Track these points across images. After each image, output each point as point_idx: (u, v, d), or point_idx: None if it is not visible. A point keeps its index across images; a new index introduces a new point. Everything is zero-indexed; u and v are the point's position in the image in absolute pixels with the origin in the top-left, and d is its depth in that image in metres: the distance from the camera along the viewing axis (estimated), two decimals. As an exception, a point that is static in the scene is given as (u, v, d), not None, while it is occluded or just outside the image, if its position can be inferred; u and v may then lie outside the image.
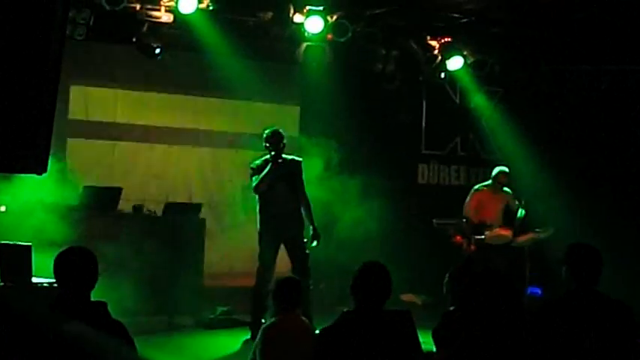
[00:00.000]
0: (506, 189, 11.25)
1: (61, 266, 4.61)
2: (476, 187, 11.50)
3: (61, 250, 4.69)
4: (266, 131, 9.49)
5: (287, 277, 6.15)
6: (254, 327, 9.52)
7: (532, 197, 11.48)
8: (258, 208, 9.55)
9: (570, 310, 4.96)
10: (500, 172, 11.17)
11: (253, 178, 9.41)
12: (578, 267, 5.08)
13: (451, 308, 5.78)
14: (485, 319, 3.81)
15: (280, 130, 9.46)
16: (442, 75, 12.34)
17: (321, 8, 10.81)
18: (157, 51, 10.68)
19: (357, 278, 4.86)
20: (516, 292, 3.96)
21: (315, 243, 9.60)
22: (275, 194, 9.44)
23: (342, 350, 4.61)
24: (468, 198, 11.33)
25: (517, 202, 11.11)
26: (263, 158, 9.48)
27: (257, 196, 9.53)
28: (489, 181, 11.31)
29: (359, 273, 4.89)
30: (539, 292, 10.96)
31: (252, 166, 9.50)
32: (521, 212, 11.02)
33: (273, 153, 9.30)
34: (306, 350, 5.36)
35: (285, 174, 9.47)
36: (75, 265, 4.59)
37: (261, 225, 9.53)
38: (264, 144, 9.42)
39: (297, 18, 10.86)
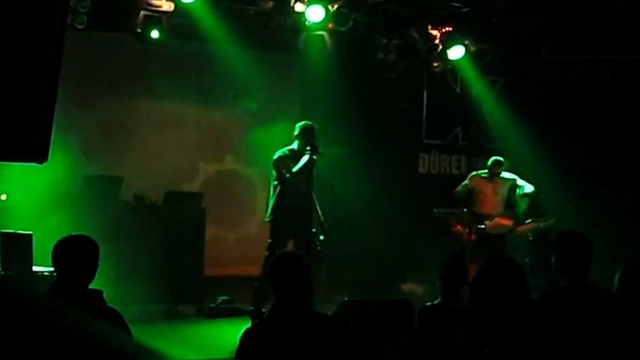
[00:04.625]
0: (506, 176, 11.26)
1: (59, 255, 4.59)
2: (474, 173, 11.54)
3: (60, 238, 4.67)
4: (301, 123, 9.63)
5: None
6: (255, 316, 9.54)
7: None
8: (274, 198, 9.59)
9: (563, 304, 4.93)
10: (493, 162, 11.22)
11: (283, 169, 9.49)
12: (567, 255, 5.04)
13: (435, 302, 5.79)
14: (499, 311, 3.78)
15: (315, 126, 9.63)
16: (440, 67, 12.39)
17: (322, -3, 10.82)
18: (158, 39, 10.68)
19: (271, 272, 4.58)
20: (525, 282, 3.91)
21: (322, 237, 9.67)
22: (295, 186, 9.52)
23: (265, 351, 4.42)
24: (466, 180, 11.40)
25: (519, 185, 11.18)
26: (288, 148, 9.58)
27: (273, 186, 9.59)
28: (485, 170, 11.35)
29: (272, 266, 4.61)
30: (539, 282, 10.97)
31: (280, 154, 9.56)
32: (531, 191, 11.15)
33: (309, 147, 9.41)
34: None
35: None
36: (74, 253, 4.56)
37: (276, 215, 9.56)
38: (298, 135, 9.53)
39: (298, 7, 10.84)
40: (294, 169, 9.44)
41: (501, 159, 11.23)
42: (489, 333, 3.77)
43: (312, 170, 9.65)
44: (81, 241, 4.66)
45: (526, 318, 3.85)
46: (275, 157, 9.58)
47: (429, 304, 5.74)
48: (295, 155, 9.51)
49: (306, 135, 9.49)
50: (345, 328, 4.61)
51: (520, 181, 11.29)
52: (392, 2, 11.44)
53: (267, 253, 9.51)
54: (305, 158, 9.43)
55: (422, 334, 5.64)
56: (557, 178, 11.87)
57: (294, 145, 9.56)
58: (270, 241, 9.56)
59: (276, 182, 9.58)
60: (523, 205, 11.39)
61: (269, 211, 9.62)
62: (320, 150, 9.45)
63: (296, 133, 9.58)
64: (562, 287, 5.03)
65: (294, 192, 9.50)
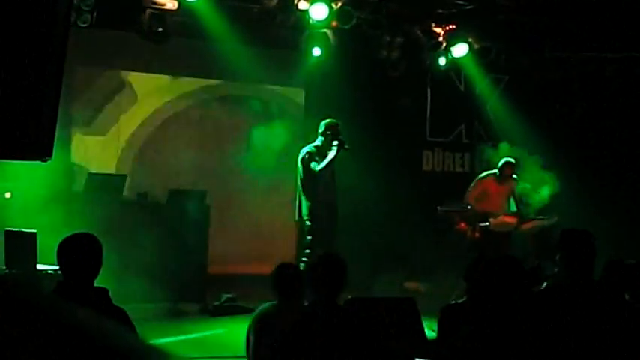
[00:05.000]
0: (514, 176, 11.27)
1: (64, 253, 4.60)
2: (481, 175, 11.50)
3: (65, 236, 4.68)
4: (327, 121, 9.80)
5: (287, 263, 6.07)
6: None
7: (536, 185, 11.48)
8: (308, 196, 9.67)
9: (567, 301, 4.92)
10: (506, 164, 11.16)
11: (312, 163, 9.65)
12: (571, 252, 5.02)
13: (459, 301, 5.77)
14: (498, 307, 3.79)
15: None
16: (445, 62, 12.35)
17: (325, -5, 10.82)
18: (162, 37, 10.67)
19: (311, 270, 4.79)
20: (528, 279, 3.92)
21: None
22: (325, 182, 9.72)
23: (300, 344, 4.55)
24: (472, 185, 11.35)
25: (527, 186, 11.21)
26: (313, 145, 9.75)
27: (303, 185, 9.66)
28: (495, 171, 11.30)
29: (312, 265, 4.83)
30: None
31: (307, 151, 9.72)
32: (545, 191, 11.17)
33: (336, 142, 9.61)
34: None
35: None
36: (79, 251, 4.57)
37: (314, 213, 9.70)
38: (324, 132, 9.71)
39: (302, 5, 10.84)
40: (323, 164, 9.57)
41: (512, 160, 11.19)
42: (490, 329, 3.78)
43: (334, 169, 9.81)
44: (85, 239, 4.67)
45: (527, 314, 3.86)
46: (302, 154, 9.71)
47: (452, 302, 5.75)
48: (320, 152, 9.64)
49: (333, 131, 9.64)
50: (367, 323, 4.87)
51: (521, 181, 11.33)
52: (395, 0, 11.44)
53: (307, 251, 9.61)
54: (332, 153, 9.56)
55: (443, 333, 5.63)
56: (560, 175, 11.85)
57: (319, 142, 9.69)
58: (310, 238, 9.68)
59: (304, 180, 9.67)
60: (544, 193, 11.37)
61: (307, 210, 9.70)
62: (346, 145, 9.59)
63: (321, 130, 9.73)
64: (566, 284, 5.03)
65: (326, 189, 9.71)
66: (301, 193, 9.79)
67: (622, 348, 4.78)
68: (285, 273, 5.72)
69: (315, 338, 4.54)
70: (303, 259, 9.63)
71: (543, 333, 3.95)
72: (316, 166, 9.60)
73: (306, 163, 9.66)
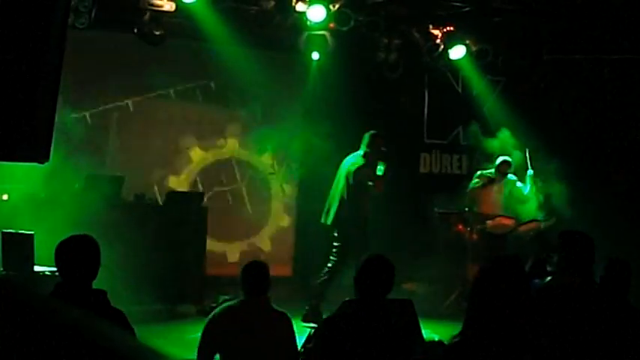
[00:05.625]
0: (510, 176, 11.28)
1: (62, 255, 4.60)
2: (478, 173, 11.52)
3: (62, 238, 4.68)
4: (372, 132, 9.97)
5: (255, 261, 6.19)
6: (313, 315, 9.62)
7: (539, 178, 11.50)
8: (350, 205, 9.85)
9: (567, 301, 4.91)
10: (502, 162, 11.20)
11: (366, 179, 9.80)
12: (571, 254, 5.03)
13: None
14: (497, 308, 3.78)
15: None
16: (441, 66, 12.35)
17: (323, -3, 10.83)
18: (159, 39, 10.66)
19: (361, 271, 4.88)
20: (526, 278, 3.91)
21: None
22: (369, 197, 9.93)
23: (343, 339, 4.65)
24: (471, 185, 11.37)
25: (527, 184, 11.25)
26: (361, 156, 9.88)
27: (352, 195, 9.83)
28: (491, 171, 11.32)
29: (363, 265, 4.91)
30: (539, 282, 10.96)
31: (362, 163, 9.84)
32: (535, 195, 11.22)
33: (383, 163, 9.77)
34: (269, 336, 5.40)
35: None
36: (76, 253, 4.57)
37: (355, 221, 9.87)
38: (369, 143, 9.87)
39: (300, 7, 10.85)
40: (373, 179, 9.71)
41: (509, 159, 11.23)
42: (490, 332, 3.77)
43: None
44: (83, 241, 4.66)
45: (528, 316, 3.85)
46: (356, 166, 9.83)
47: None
48: (369, 164, 9.71)
49: (379, 143, 9.85)
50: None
51: (519, 183, 11.33)
52: (393, 2, 11.44)
53: (335, 258, 9.78)
54: (382, 168, 9.71)
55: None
56: (557, 177, 11.86)
57: (363, 153, 9.85)
58: (344, 245, 9.83)
59: (353, 190, 9.77)
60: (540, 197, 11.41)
61: (349, 219, 9.84)
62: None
63: (366, 141, 9.89)
64: (566, 284, 5.03)
65: (368, 203, 9.88)
66: (345, 201, 9.85)
67: (621, 350, 4.78)
68: (253, 271, 5.89)
69: (358, 336, 4.69)
70: (329, 264, 9.72)
71: (542, 334, 3.94)
72: (370, 183, 9.71)
73: (361, 177, 9.78)
